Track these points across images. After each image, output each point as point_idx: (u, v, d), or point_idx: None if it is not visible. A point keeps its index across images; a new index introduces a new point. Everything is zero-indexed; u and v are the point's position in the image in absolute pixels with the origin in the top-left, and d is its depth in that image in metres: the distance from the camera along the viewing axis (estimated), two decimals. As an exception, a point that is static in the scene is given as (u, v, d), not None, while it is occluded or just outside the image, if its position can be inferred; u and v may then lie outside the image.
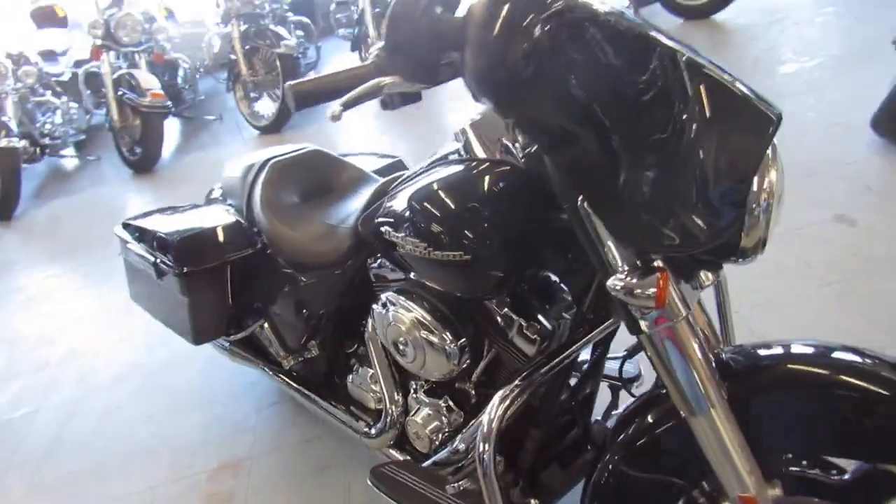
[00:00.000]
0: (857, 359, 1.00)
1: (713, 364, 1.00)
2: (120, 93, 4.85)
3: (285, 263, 1.76)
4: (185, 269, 1.76)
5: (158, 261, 1.82)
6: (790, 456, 1.09)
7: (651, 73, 0.86)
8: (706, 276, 1.06)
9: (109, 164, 5.52)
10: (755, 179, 0.90)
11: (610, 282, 0.96)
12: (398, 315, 1.38)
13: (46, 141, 5.47)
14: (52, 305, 3.51)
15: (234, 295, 1.91)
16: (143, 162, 5.04)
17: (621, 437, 1.13)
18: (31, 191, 5.39)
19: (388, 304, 1.40)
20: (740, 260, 0.98)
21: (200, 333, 1.91)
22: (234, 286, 1.90)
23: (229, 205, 1.99)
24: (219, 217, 1.88)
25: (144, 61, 5.27)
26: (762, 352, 1.09)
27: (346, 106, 0.97)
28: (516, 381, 1.13)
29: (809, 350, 1.05)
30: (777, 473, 1.05)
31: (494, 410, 1.11)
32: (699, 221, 0.88)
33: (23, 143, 5.08)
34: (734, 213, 0.89)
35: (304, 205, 1.81)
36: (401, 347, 1.41)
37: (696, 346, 0.99)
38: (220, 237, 1.80)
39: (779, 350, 1.08)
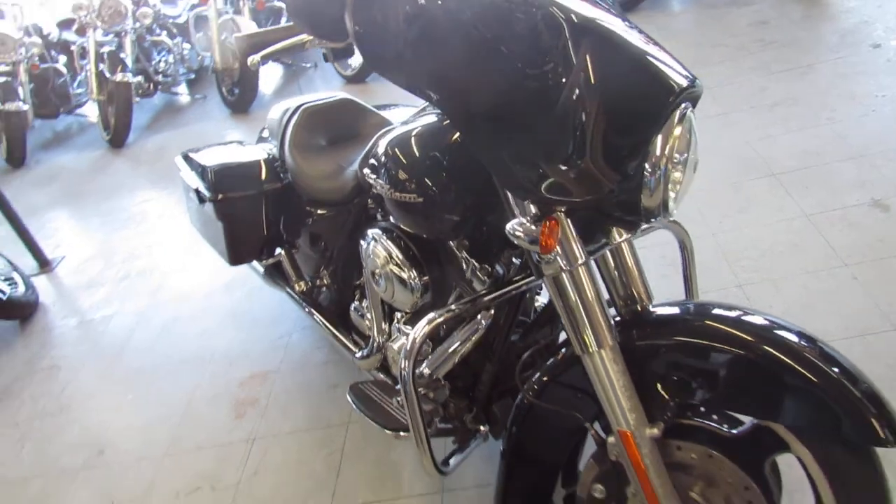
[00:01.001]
0: (770, 326, 1.07)
1: (607, 309, 1.11)
2: (223, 37, 5.20)
3: (305, 199, 1.96)
4: (219, 197, 2.00)
5: (200, 188, 2.06)
6: (690, 404, 1.17)
7: (535, 37, 0.96)
8: (619, 233, 1.17)
9: (213, 103, 5.95)
10: (658, 142, 0.98)
11: (508, 226, 1.08)
12: (376, 249, 1.55)
13: (160, 78, 5.97)
14: (145, 226, 3.93)
15: (268, 225, 2.14)
16: (240, 103, 5.41)
17: (530, 374, 1.25)
18: (144, 122, 5.92)
19: (371, 240, 1.57)
20: (650, 220, 1.07)
21: (235, 256, 2.16)
22: (269, 217, 2.13)
23: (273, 144, 2.20)
24: (255, 154, 2.10)
25: (248, 8, 5.60)
26: (684, 309, 1.18)
27: (265, 57, 1.12)
28: (444, 309, 1.28)
29: (730, 313, 1.12)
30: (663, 417, 1.14)
31: (420, 330, 1.25)
32: (579, 176, 0.98)
33: (137, 79, 5.58)
34: (622, 174, 0.99)
35: (327, 147, 1.99)
36: (376, 278, 1.58)
37: (591, 292, 1.09)
38: (252, 171, 2.03)
39: (701, 309, 1.16)
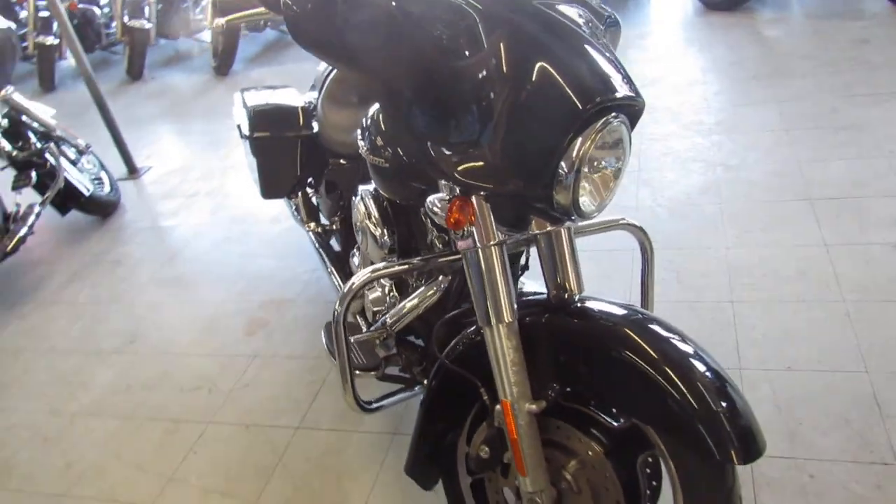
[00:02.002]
0: (666, 338, 1.13)
1: (512, 289, 1.20)
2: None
3: (326, 148, 2.12)
4: (254, 135, 2.20)
5: (241, 125, 2.27)
6: (578, 391, 1.25)
7: (453, 24, 1.06)
8: (538, 224, 1.26)
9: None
10: (577, 145, 1.06)
11: (428, 200, 1.20)
12: (359, 205, 1.70)
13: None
14: (225, 150, 4.24)
15: (301, 168, 2.33)
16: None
17: (443, 338, 1.38)
18: (251, 54, 6.28)
19: (359, 196, 1.72)
20: (567, 217, 1.16)
21: (265, 190, 2.36)
22: (302, 160, 2.31)
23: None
24: (295, 101, 2.28)
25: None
26: (595, 306, 1.25)
27: (228, 22, 1.26)
28: (386, 264, 1.41)
29: (633, 318, 1.18)
30: (547, 396, 1.23)
31: (359, 277, 1.39)
32: (484, 164, 1.09)
33: (251, 13, 5.92)
34: (530, 170, 1.08)
35: (356, 104, 2.13)
36: (357, 231, 1.73)
37: (498, 271, 1.19)
38: (288, 116, 2.20)
39: (611, 309, 1.23)
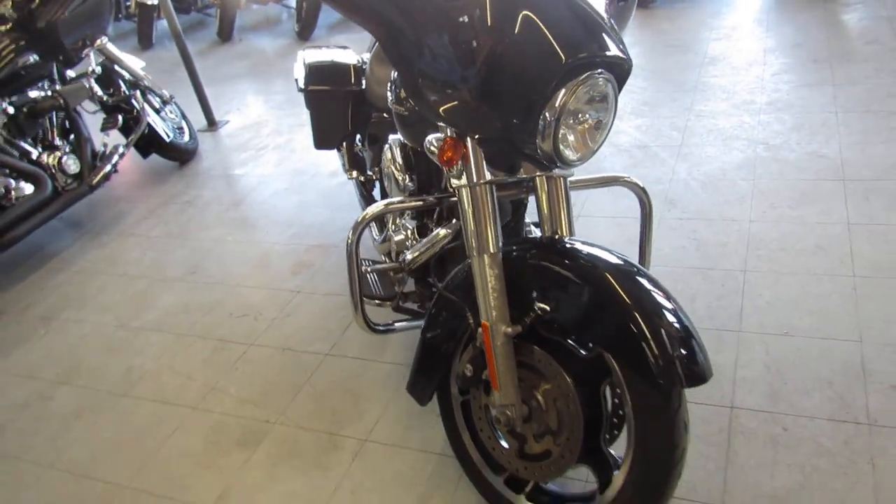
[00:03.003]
0: (633, 273, 1.25)
1: (497, 224, 1.35)
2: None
3: (371, 102, 2.30)
4: (308, 88, 2.40)
5: (299, 79, 2.48)
6: (553, 319, 1.38)
7: None
8: (528, 169, 1.40)
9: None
10: (559, 96, 1.19)
11: (426, 140, 1.36)
12: (386, 153, 1.88)
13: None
14: (298, 108, 4.47)
15: (351, 120, 2.52)
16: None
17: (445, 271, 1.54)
18: (331, 22, 6.53)
19: (388, 145, 1.89)
20: (552, 164, 1.30)
21: (318, 140, 2.57)
22: (353, 114, 2.50)
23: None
24: (349, 59, 2.46)
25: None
26: (580, 248, 1.37)
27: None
28: (398, 200, 1.58)
29: (613, 261, 1.30)
30: (523, 322, 1.36)
31: (371, 210, 1.56)
32: (470, 108, 1.24)
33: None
34: (513, 116, 1.22)
35: (401, 63, 2.31)
36: (384, 176, 1.91)
37: (487, 208, 1.34)
38: (341, 72, 2.39)
39: (593, 252, 1.34)
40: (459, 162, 1.34)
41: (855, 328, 1.88)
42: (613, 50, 1.20)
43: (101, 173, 3.32)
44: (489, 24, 1.18)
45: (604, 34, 1.21)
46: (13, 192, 3.00)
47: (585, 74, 1.18)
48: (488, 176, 1.34)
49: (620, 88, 1.28)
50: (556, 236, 1.43)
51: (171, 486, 1.86)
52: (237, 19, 6.69)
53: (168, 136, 3.76)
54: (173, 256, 3.02)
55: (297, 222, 3.08)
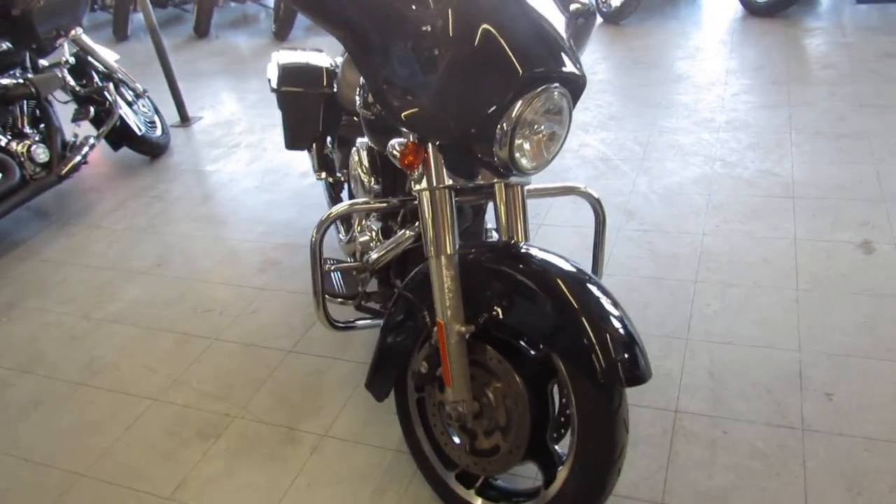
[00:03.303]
0: (580, 280, 1.32)
1: (455, 227, 1.41)
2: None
3: (340, 105, 2.35)
4: (280, 88, 2.44)
5: (272, 79, 2.52)
6: (506, 321, 1.44)
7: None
8: (486, 176, 1.46)
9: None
10: (516, 107, 1.26)
11: (389, 143, 1.42)
12: (353, 155, 1.93)
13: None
14: (271, 108, 4.48)
15: (323, 122, 2.56)
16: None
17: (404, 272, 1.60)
18: (309, 23, 6.55)
19: (355, 148, 1.95)
20: (508, 171, 1.36)
21: (289, 141, 2.61)
22: (325, 116, 2.55)
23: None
24: (323, 62, 2.51)
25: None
26: (534, 253, 1.44)
27: None
28: (362, 201, 1.64)
29: (564, 266, 1.36)
30: (476, 322, 1.43)
31: (336, 210, 1.62)
32: (430, 114, 1.30)
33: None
34: (471, 125, 1.29)
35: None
36: (350, 178, 1.96)
37: (445, 212, 1.40)
38: (312, 74, 2.43)
39: (546, 258, 1.41)
40: (420, 166, 1.41)
41: (794, 338, 1.98)
42: (569, 66, 1.28)
43: (71, 164, 3.31)
44: (451, 34, 1.24)
45: (560, 51, 1.29)
46: (-21, 180, 3.00)
47: (541, 88, 1.25)
48: (448, 181, 1.40)
49: (575, 103, 1.36)
50: (513, 241, 1.49)
51: (129, 476, 1.89)
52: (214, 16, 6.69)
53: (140, 130, 3.77)
54: (139, 249, 3.03)
55: (266, 220, 3.12)
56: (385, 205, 1.67)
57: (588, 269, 1.41)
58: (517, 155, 1.31)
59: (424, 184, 1.40)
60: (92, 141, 3.45)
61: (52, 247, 3.17)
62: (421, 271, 1.56)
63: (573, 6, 1.50)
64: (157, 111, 4.14)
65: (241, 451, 1.92)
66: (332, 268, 1.88)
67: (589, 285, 1.34)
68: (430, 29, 1.27)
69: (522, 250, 1.43)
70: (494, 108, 1.26)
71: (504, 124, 1.26)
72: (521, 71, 1.22)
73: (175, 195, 3.51)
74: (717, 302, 2.17)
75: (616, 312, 1.30)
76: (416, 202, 1.44)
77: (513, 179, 1.46)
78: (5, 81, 3.19)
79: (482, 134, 1.30)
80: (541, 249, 1.43)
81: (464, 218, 1.82)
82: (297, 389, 2.11)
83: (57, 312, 2.67)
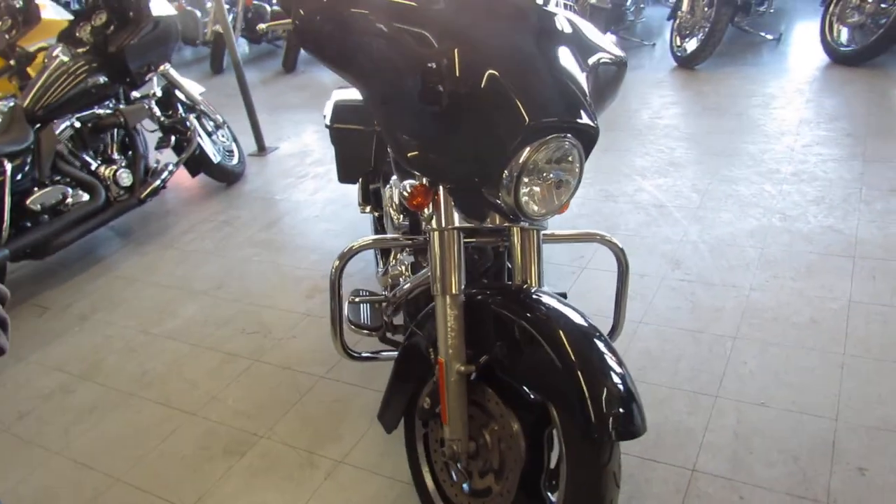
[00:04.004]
0: (590, 342, 1.30)
1: (461, 269, 1.44)
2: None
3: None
4: (333, 125, 2.57)
5: (325, 115, 2.65)
6: (510, 364, 1.44)
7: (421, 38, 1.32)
8: (496, 220, 1.49)
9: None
10: (523, 154, 1.29)
11: (401, 185, 1.47)
12: (386, 192, 2.01)
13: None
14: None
15: (374, 158, 2.66)
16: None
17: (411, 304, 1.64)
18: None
19: (390, 184, 2.02)
20: (515, 217, 1.39)
21: (342, 174, 2.73)
22: (375, 152, 2.65)
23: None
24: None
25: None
26: (542, 300, 1.43)
27: (269, 27, 1.59)
28: (388, 237, 1.70)
29: (570, 317, 1.35)
30: (477, 363, 1.44)
31: (358, 242, 1.68)
32: (438, 160, 1.35)
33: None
34: (476, 171, 1.33)
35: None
36: (384, 213, 2.03)
37: (452, 252, 1.44)
38: (362, 112, 2.54)
39: (553, 306, 1.41)
40: (430, 206, 1.45)
41: (832, 406, 1.88)
42: (581, 116, 1.30)
43: (150, 188, 3.57)
44: (459, 79, 1.28)
45: (573, 100, 1.31)
46: (70, 199, 3.27)
47: (551, 137, 1.27)
48: (457, 223, 1.44)
49: (587, 152, 1.37)
50: (525, 286, 1.50)
51: (158, 485, 1.99)
52: (301, 52, 7.04)
53: (216, 158, 4.01)
54: (203, 271, 3.21)
55: (320, 248, 3.24)
56: (402, 241, 1.73)
57: (597, 322, 1.39)
58: (524, 201, 1.33)
59: (434, 224, 1.45)
60: (171, 167, 3.70)
61: (127, 264, 3.40)
62: (430, 309, 1.60)
63: (603, 56, 1.53)
64: (235, 141, 4.40)
65: (262, 470, 1.99)
66: (356, 300, 1.94)
67: (590, 337, 1.33)
68: (438, 73, 1.32)
69: (532, 296, 1.44)
70: (499, 154, 1.29)
71: (510, 170, 1.29)
72: (527, 119, 1.25)
73: (242, 221, 3.70)
74: (754, 361, 2.08)
75: (616, 368, 1.29)
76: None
77: (526, 223, 1.48)
78: (99, 111, 3.49)
79: (489, 179, 1.33)
80: (550, 296, 1.44)
81: (485, 257, 1.85)
82: (323, 415, 2.17)
83: (121, 326, 2.86)
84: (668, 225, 2.92)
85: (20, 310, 3.11)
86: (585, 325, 1.36)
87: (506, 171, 1.29)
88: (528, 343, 1.34)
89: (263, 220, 3.66)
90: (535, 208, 1.36)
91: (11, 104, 3.33)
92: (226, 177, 4.18)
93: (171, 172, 3.70)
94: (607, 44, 1.58)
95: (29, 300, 3.18)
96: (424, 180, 1.44)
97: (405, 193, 1.46)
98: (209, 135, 4.08)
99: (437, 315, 1.46)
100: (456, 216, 1.46)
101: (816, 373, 2.00)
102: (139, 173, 3.58)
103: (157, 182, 3.61)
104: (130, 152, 3.62)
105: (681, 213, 2.99)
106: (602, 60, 1.52)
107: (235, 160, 4.29)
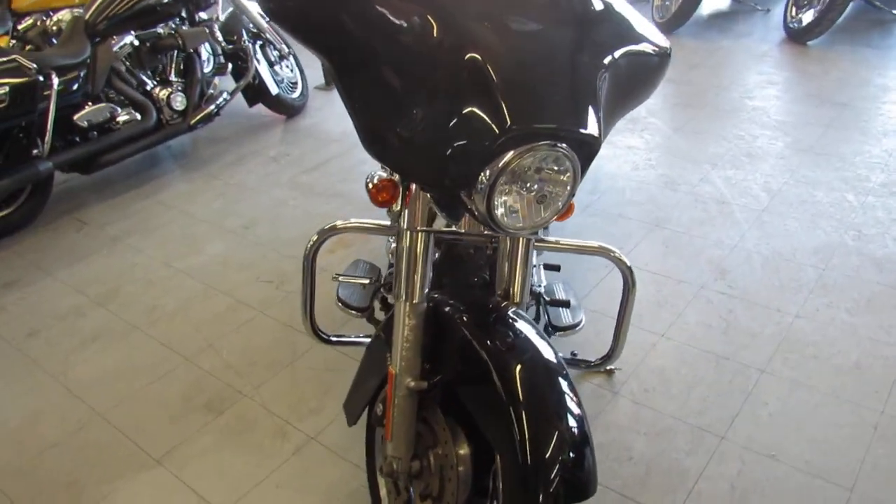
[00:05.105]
0: (550, 381, 1.17)
1: (425, 275, 1.30)
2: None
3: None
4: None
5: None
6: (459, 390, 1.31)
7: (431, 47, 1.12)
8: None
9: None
10: (504, 159, 1.11)
11: (367, 176, 1.32)
12: None
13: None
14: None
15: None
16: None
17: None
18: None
19: None
20: (488, 225, 1.22)
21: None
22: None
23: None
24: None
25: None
26: (516, 325, 1.28)
27: None
28: (353, 221, 1.58)
29: (533, 347, 1.22)
30: (430, 380, 1.31)
31: (326, 228, 1.57)
32: (407, 157, 1.18)
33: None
34: (447, 173, 1.16)
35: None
36: None
37: (418, 256, 1.29)
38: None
39: (525, 333, 1.25)
40: (399, 203, 1.31)
41: (852, 473, 1.64)
42: (584, 125, 1.09)
43: (201, 114, 3.54)
44: (437, 60, 1.10)
45: (577, 103, 1.10)
46: (119, 118, 3.28)
47: (542, 143, 1.08)
48: (429, 224, 1.29)
49: (586, 165, 1.17)
50: (503, 303, 1.35)
51: (135, 429, 2.00)
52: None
53: (274, 89, 3.93)
54: (238, 207, 3.18)
55: (357, 200, 3.14)
56: (381, 229, 1.59)
57: (558, 356, 1.22)
58: (499, 212, 1.16)
59: (402, 222, 1.30)
60: (226, 95, 3.65)
61: (170, 190, 3.41)
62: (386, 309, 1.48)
63: (642, 47, 1.30)
64: (301, 73, 4.29)
65: (235, 432, 1.96)
66: (342, 278, 1.84)
67: (551, 375, 1.19)
68: (419, 50, 1.13)
69: (503, 317, 1.30)
70: (476, 154, 1.11)
71: (486, 174, 1.11)
72: (509, 122, 1.06)
73: (291, 158, 3.64)
74: (776, 403, 1.85)
75: (575, 410, 1.15)
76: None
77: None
78: (160, 31, 3.45)
79: (462, 179, 1.16)
80: (524, 321, 1.29)
81: (480, 255, 1.69)
82: (310, 383, 2.11)
83: (147, 255, 2.88)
84: (724, 226, 2.63)
85: (62, 222, 3.19)
86: (550, 360, 1.20)
87: (482, 175, 1.12)
88: (478, 371, 1.20)
89: (311, 161, 3.58)
90: (511, 222, 1.17)
91: (77, 13, 3.33)
92: (285, 109, 4.10)
93: (225, 101, 3.65)
94: (650, 31, 1.35)
95: (72, 213, 3.25)
96: (389, 173, 1.29)
97: (370, 186, 1.31)
98: (271, 65, 3.99)
99: (395, 321, 1.33)
100: (429, 215, 1.31)
101: (844, 431, 1.75)
102: (194, 98, 3.55)
103: (210, 108, 3.57)
104: (187, 75, 3.58)
105: (743, 214, 2.69)
106: (640, 51, 1.29)
107: (297, 93, 4.21)
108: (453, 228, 1.42)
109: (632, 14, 1.32)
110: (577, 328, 1.86)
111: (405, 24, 1.14)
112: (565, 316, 1.89)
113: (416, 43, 1.14)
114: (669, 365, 2.01)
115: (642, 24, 1.34)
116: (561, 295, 2.01)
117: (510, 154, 1.07)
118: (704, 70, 4.26)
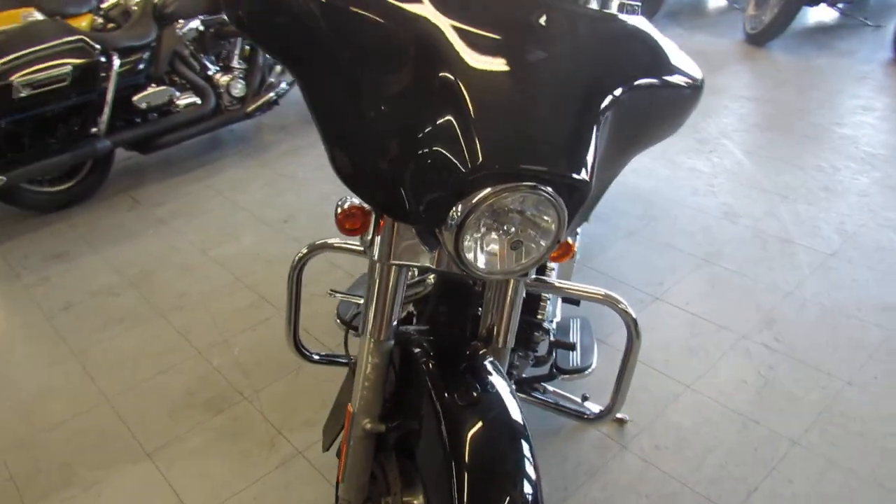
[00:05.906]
0: (507, 442, 1.07)
1: (393, 311, 1.20)
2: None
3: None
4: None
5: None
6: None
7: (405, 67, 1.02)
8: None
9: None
10: (476, 197, 1.00)
11: (339, 199, 1.23)
12: None
13: None
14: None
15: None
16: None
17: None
18: None
19: None
20: (460, 267, 1.11)
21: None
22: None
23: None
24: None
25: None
26: (479, 373, 1.17)
27: None
28: (337, 241, 1.50)
29: (498, 403, 1.10)
30: (389, 424, 1.22)
31: (311, 246, 1.49)
32: (380, 187, 1.07)
33: None
34: (421, 207, 1.05)
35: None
36: None
37: (388, 291, 1.19)
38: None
39: (490, 385, 1.13)
40: (371, 231, 1.21)
41: (878, 579, 1.43)
42: (574, 168, 0.96)
43: (259, 102, 3.55)
44: (418, 82, 0.99)
45: (562, 142, 0.98)
46: (179, 101, 3.33)
47: (523, 184, 0.95)
48: (409, 258, 1.18)
49: (574, 209, 1.03)
50: (480, 351, 1.24)
51: (135, 419, 2.00)
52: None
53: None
54: (281, 199, 3.17)
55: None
56: (352, 248, 1.51)
57: (524, 417, 1.10)
58: (469, 254, 1.04)
59: (373, 254, 1.20)
60: (285, 84, 3.66)
61: (222, 176, 3.45)
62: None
63: (673, 78, 1.16)
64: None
65: (227, 436, 1.92)
66: (334, 296, 1.76)
67: (511, 438, 1.07)
68: (399, 74, 1.03)
69: (475, 366, 1.19)
70: (447, 191, 0.99)
71: (458, 210, 1.00)
72: (481, 158, 0.94)
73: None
74: (803, 484, 1.64)
75: (531, 475, 1.04)
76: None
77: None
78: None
79: (433, 215, 1.04)
80: (497, 373, 1.17)
81: (472, 304, 1.57)
82: (310, 394, 2.05)
83: (187, 240, 2.91)
84: (782, 269, 2.39)
85: (117, 199, 3.27)
86: (514, 421, 1.09)
87: (453, 210, 1.00)
88: (433, 425, 1.09)
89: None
90: (487, 266, 1.05)
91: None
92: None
93: (285, 89, 3.66)
94: (681, 61, 1.20)
95: (128, 191, 3.34)
96: (358, 200, 1.20)
97: (338, 211, 1.22)
98: (336, 56, 3.96)
99: (359, 355, 1.24)
100: (406, 244, 1.21)
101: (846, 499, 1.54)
102: (254, 85, 3.57)
103: (269, 96, 3.59)
104: (249, 63, 3.60)
105: (806, 257, 2.43)
106: (667, 83, 1.15)
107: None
108: (432, 260, 1.30)
109: (661, 42, 1.17)
110: (586, 373, 1.73)
111: (379, 43, 1.04)
112: (573, 358, 1.75)
113: (388, 63, 1.03)
114: (688, 422, 1.83)
115: (673, 52, 1.19)
116: (576, 333, 1.86)
117: (486, 191, 0.95)
118: (791, 89, 3.92)
